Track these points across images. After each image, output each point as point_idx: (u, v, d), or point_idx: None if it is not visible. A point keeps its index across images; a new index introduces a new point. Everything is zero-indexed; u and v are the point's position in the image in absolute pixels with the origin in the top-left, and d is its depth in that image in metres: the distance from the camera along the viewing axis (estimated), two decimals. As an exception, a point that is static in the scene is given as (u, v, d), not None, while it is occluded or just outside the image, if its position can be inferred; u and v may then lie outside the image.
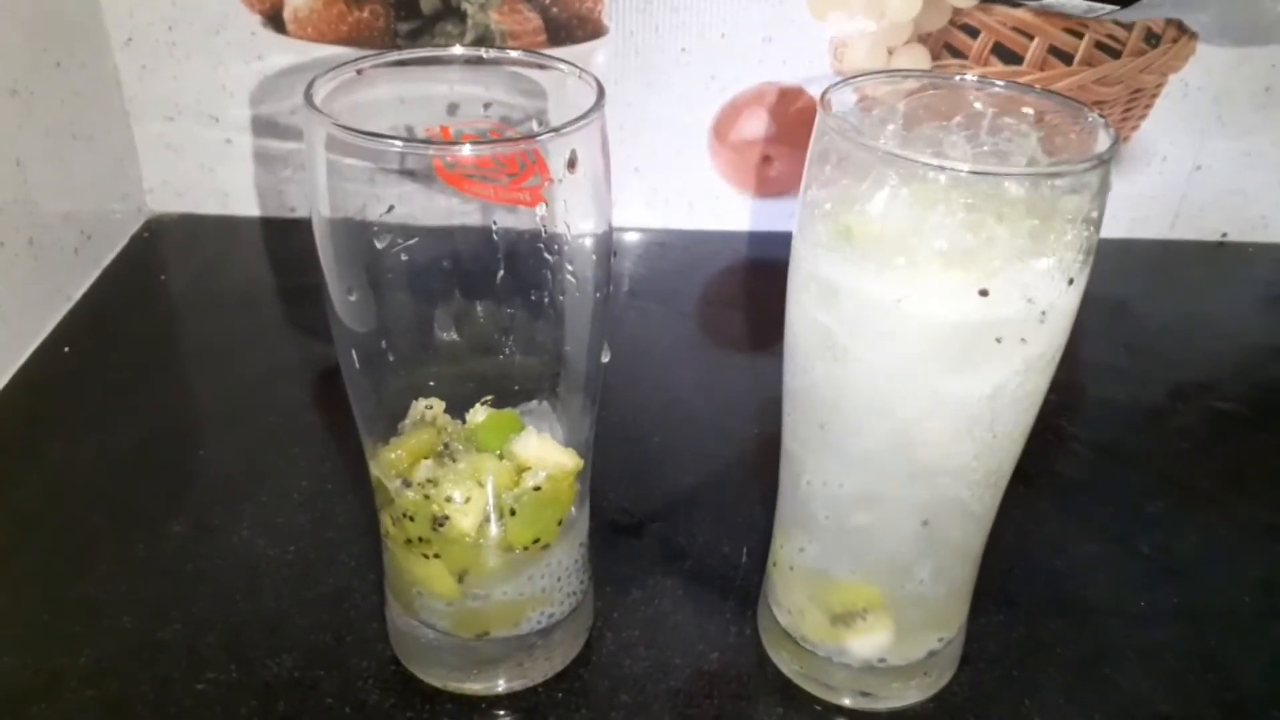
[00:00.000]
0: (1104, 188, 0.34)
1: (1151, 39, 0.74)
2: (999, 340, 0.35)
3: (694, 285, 0.78)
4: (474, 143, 0.34)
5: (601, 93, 0.36)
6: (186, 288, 0.76)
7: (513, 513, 0.39)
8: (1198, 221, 0.82)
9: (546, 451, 0.39)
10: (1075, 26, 0.73)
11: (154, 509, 0.54)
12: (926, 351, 0.35)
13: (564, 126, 0.34)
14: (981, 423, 0.36)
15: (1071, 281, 0.35)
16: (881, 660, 0.44)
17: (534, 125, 0.41)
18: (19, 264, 0.64)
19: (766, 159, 0.79)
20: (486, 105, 0.41)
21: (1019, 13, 0.73)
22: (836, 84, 0.37)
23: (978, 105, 0.38)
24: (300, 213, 0.82)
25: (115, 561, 0.51)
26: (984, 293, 0.34)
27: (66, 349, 0.66)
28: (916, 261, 0.34)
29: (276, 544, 0.52)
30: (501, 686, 0.45)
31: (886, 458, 0.38)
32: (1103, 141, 0.34)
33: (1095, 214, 0.34)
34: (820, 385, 0.38)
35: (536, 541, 0.41)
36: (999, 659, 0.48)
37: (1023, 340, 0.35)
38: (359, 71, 0.38)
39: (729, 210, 0.81)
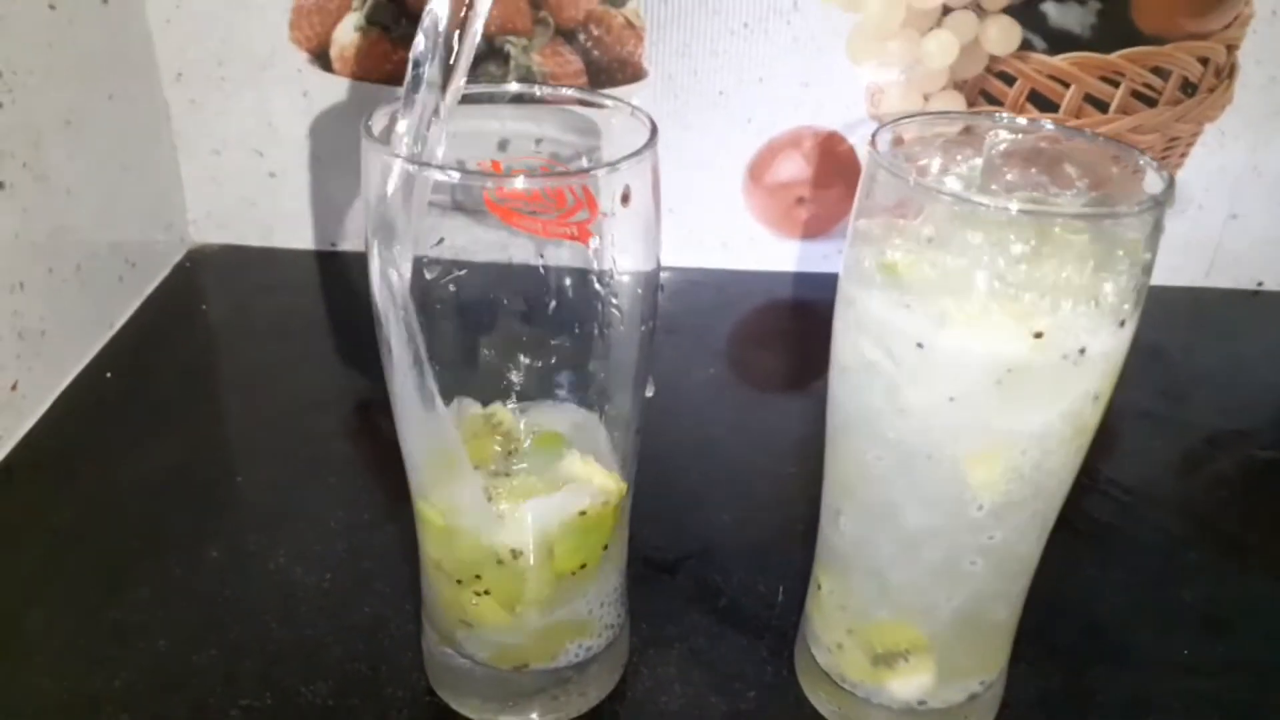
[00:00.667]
0: (1157, 229, 0.34)
1: (1188, 88, 0.75)
2: (1050, 381, 0.35)
3: (727, 324, 0.78)
4: (528, 176, 0.34)
5: (654, 129, 0.36)
6: (227, 317, 0.76)
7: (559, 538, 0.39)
8: (1233, 270, 0.82)
9: (592, 473, 0.39)
10: (1111, 75, 0.74)
11: (190, 534, 0.55)
12: (976, 391, 0.35)
13: (618, 161, 0.35)
14: (1030, 461, 0.36)
15: (1123, 324, 0.35)
16: (922, 703, 0.43)
17: (584, 161, 0.42)
18: (66, 290, 0.65)
19: (800, 201, 0.80)
20: (538, 141, 0.42)
21: (1056, 60, 0.73)
22: (886, 124, 0.38)
23: (1026, 146, 0.38)
24: (340, 246, 0.83)
25: (151, 586, 0.51)
26: (1038, 335, 0.34)
27: (108, 375, 0.67)
28: (967, 302, 0.34)
29: (313, 572, 0.52)
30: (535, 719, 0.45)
31: (933, 496, 0.38)
32: (1154, 183, 0.35)
33: (1148, 256, 0.34)
34: (869, 422, 0.38)
35: (584, 567, 0.41)
36: (1038, 705, 0.47)
37: (1073, 380, 0.35)
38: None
39: (762, 251, 0.82)
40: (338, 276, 0.81)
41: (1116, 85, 0.74)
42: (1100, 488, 0.61)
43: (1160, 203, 0.33)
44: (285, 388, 0.68)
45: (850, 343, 0.38)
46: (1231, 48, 0.73)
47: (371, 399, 0.65)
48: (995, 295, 0.33)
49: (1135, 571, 0.55)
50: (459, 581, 0.41)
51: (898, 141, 0.39)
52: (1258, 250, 0.81)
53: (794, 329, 0.80)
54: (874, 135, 0.36)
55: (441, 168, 0.35)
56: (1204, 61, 0.74)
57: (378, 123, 0.37)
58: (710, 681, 0.47)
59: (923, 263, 0.35)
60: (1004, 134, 0.39)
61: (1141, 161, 0.36)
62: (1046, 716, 0.46)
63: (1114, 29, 0.73)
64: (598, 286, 0.38)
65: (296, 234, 0.82)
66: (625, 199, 0.35)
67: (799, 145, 0.78)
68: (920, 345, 0.35)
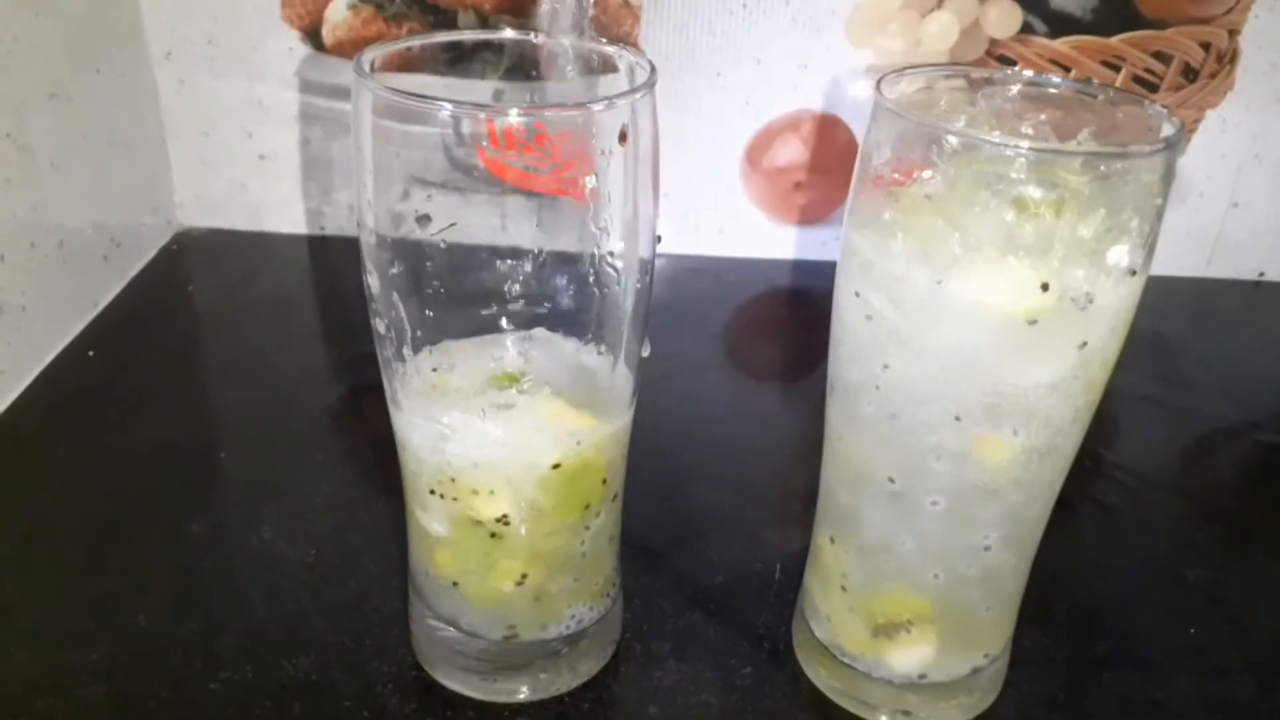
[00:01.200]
0: (1169, 175, 0.33)
1: (1189, 74, 0.74)
2: (1057, 331, 0.34)
3: (723, 310, 0.77)
4: (521, 110, 0.33)
5: (654, 69, 0.35)
6: (213, 299, 0.75)
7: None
8: (1234, 259, 0.81)
9: (559, 412, 0.38)
10: (1113, 59, 0.73)
11: (173, 509, 0.53)
12: (982, 341, 0.34)
13: (615, 97, 0.33)
14: (1039, 418, 0.35)
15: (1134, 273, 0.34)
16: (923, 676, 0.42)
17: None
18: (48, 265, 0.63)
19: (798, 186, 0.79)
20: (533, 93, 0.41)
21: (1057, 44, 0.73)
22: (893, 71, 0.37)
23: (1034, 97, 0.37)
24: (329, 231, 0.81)
25: (131, 560, 0.50)
26: (1045, 286, 0.33)
27: (91, 353, 0.65)
28: (973, 249, 0.33)
29: (297, 547, 0.51)
30: (525, 694, 0.43)
31: (941, 451, 0.36)
32: (1167, 128, 0.34)
33: (1159, 201, 0.33)
34: (875, 375, 0.37)
35: (588, 508, 0.40)
36: (1043, 681, 0.46)
37: (1082, 332, 0.34)
38: (409, 48, 0.37)
39: (760, 237, 0.81)
40: (326, 261, 0.79)
41: (1118, 70, 0.74)
42: (1104, 471, 0.60)
43: (1171, 145, 0.32)
44: (272, 368, 0.67)
45: (853, 293, 0.37)
46: (1233, 33, 0.73)
47: (359, 380, 0.64)
48: (1000, 242, 0.32)
49: (1139, 552, 0.54)
50: (477, 523, 0.40)
51: (902, 92, 0.37)
52: (1260, 239, 0.80)
53: (792, 317, 0.78)
54: (878, 81, 0.35)
55: (435, 99, 0.33)
56: (1205, 47, 0.73)
57: (367, 63, 0.36)
58: (706, 657, 0.46)
59: (925, 206, 0.34)
60: (1012, 87, 0.38)
61: (1153, 110, 0.35)
62: (1052, 693, 0.45)
63: (1115, 12, 0.72)
64: (593, 228, 0.36)
65: (285, 217, 0.81)
66: (623, 138, 0.34)
67: (797, 129, 0.77)
68: (922, 292, 0.34)
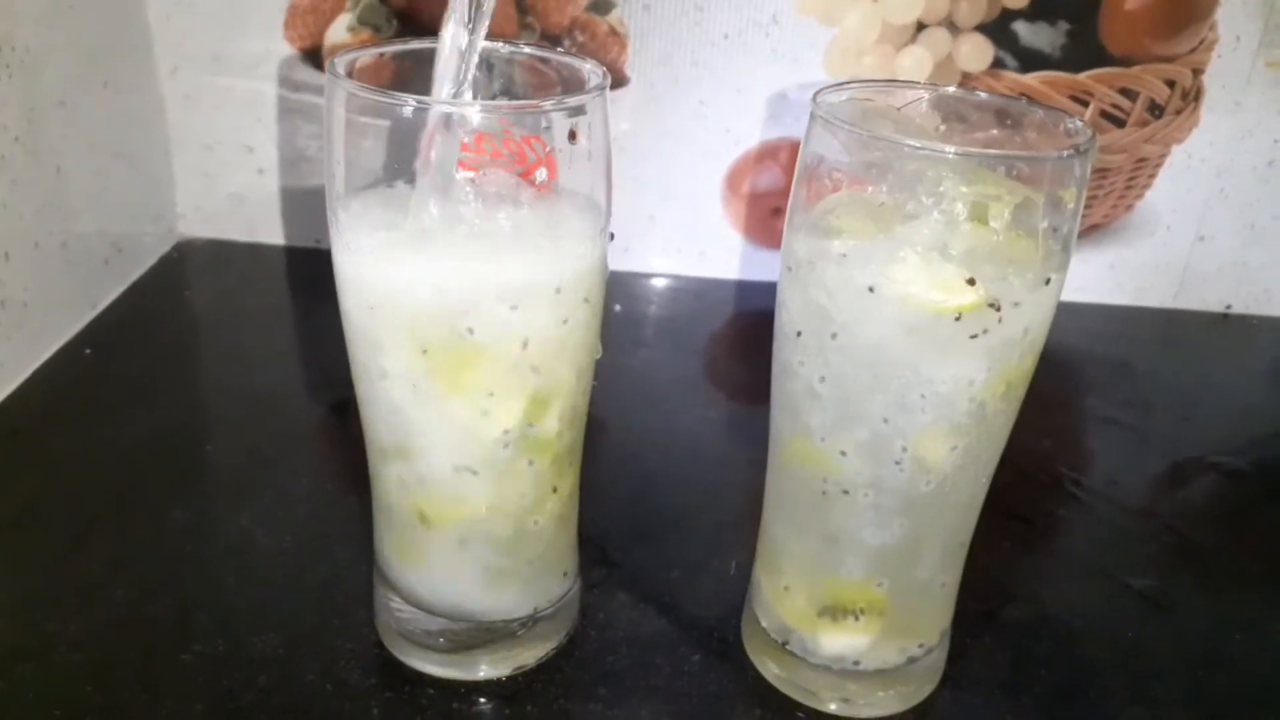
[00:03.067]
0: (1082, 181, 0.35)
1: (1155, 110, 0.77)
2: (980, 329, 0.36)
3: (703, 328, 0.80)
4: (486, 107, 0.36)
5: (607, 75, 0.38)
6: (209, 305, 0.78)
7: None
8: (1201, 292, 0.83)
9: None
10: (1081, 94, 0.76)
11: (157, 498, 0.55)
12: (901, 335, 0.36)
13: (570, 98, 0.36)
14: (964, 416, 0.37)
15: (1048, 281, 0.36)
16: (856, 663, 0.44)
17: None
18: (50, 265, 0.66)
19: (777, 211, 0.82)
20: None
21: (1027, 79, 0.76)
22: (829, 86, 0.39)
23: (965, 111, 0.39)
24: (324, 245, 0.84)
25: (114, 542, 0.52)
26: (971, 281, 0.35)
27: (88, 351, 0.68)
28: (901, 249, 0.36)
29: (273, 535, 0.53)
30: (483, 673, 0.45)
31: (876, 434, 0.39)
32: (1082, 135, 0.36)
33: (1072, 206, 0.36)
34: (811, 374, 0.39)
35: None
36: (982, 680, 0.47)
37: (996, 332, 0.36)
38: (380, 55, 0.40)
39: (740, 259, 0.83)
40: (321, 273, 0.82)
41: (1086, 104, 0.76)
42: (1061, 486, 0.62)
43: (1081, 151, 0.34)
44: (262, 371, 0.69)
45: (793, 296, 0.39)
46: (1197, 71, 0.76)
47: (344, 386, 0.66)
48: (922, 242, 0.35)
49: (1087, 562, 0.56)
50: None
51: (836, 103, 0.40)
52: (1226, 273, 0.83)
53: (769, 335, 0.80)
54: (816, 94, 0.38)
55: (405, 96, 0.36)
56: (1170, 84, 0.76)
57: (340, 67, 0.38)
58: (658, 645, 0.48)
59: (859, 214, 0.36)
60: (938, 99, 0.40)
61: (1072, 123, 0.37)
62: (990, 691, 0.47)
63: (1083, 50, 0.75)
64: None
65: (282, 230, 0.84)
66: (573, 137, 0.36)
67: (776, 156, 0.79)
68: (851, 288, 0.36)
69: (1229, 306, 0.84)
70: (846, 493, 0.40)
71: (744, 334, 0.81)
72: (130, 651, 0.46)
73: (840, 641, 0.43)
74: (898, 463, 0.39)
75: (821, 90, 0.39)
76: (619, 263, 0.83)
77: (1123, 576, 0.55)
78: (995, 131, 0.38)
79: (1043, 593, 0.53)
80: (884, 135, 0.35)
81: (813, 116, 0.38)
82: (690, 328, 0.79)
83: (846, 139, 0.36)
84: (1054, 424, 0.69)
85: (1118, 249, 0.82)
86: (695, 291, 0.83)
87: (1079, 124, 0.37)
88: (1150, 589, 0.54)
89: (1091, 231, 0.82)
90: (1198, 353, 0.82)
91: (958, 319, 0.36)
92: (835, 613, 0.43)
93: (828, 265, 0.37)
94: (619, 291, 0.81)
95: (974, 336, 0.36)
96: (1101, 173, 0.79)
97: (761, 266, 0.84)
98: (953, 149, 0.34)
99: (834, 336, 0.38)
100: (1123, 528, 0.59)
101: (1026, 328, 0.37)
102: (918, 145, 0.34)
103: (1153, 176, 0.80)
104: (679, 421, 0.67)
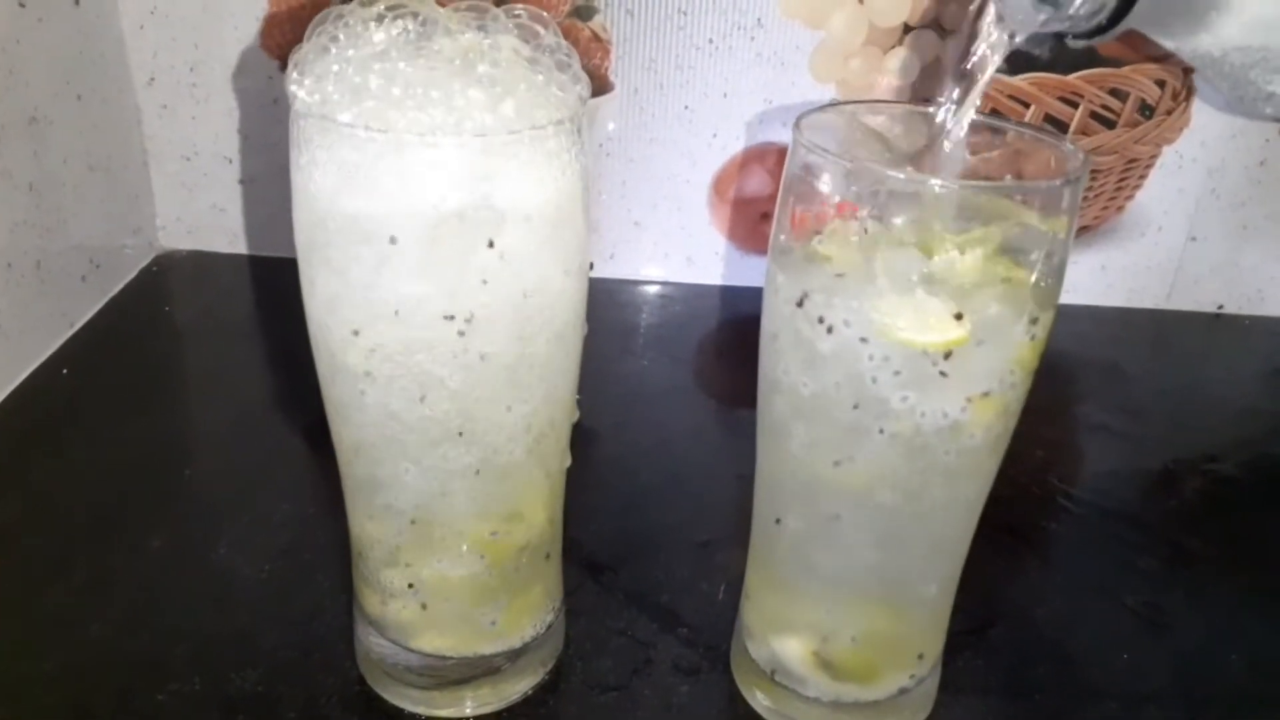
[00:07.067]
0: (1073, 209, 0.34)
1: (1145, 110, 0.76)
2: (969, 362, 0.35)
3: (690, 335, 0.79)
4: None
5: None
6: (190, 320, 0.77)
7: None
8: (1194, 293, 0.82)
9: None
10: (1070, 96, 0.75)
11: (135, 525, 0.54)
12: (882, 369, 0.35)
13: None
14: (942, 443, 0.36)
15: (1035, 320, 0.35)
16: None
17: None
18: (24, 285, 0.65)
19: (764, 217, 0.80)
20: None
21: (1016, 81, 0.75)
22: (813, 109, 0.38)
23: (956, 133, 0.38)
24: (306, 254, 0.83)
25: (90, 573, 0.51)
26: (959, 316, 0.34)
27: (65, 370, 0.67)
28: (887, 282, 0.35)
29: (253, 563, 0.52)
30: (469, 710, 0.44)
31: (855, 461, 0.38)
32: (1074, 163, 0.35)
33: (1063, 236, 0.35)
34: (794, 404, 0.38)
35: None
36: (976, 705, 0.47)
37: (982, 363, 0.35)
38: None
39: (727, 265, 0.82)
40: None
41: (1076, 106, 0.75)
42: (1052, 498, 0.61)
43: (1073, 180, 0.33)
44: (243, 389, 0.68)
45: (777, 326, 0.38)
46: (1188, 71, 0.75)
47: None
48: (914, 277, 0.34)
49: (1080, 578, 0.55)
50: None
51: (820, 130, 0.39)
52: (1218, 273, 0.82)
53: (755, 342, 0.80)
54: (798, 119, 0.37)
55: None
56: (1161, 84, 0.75)
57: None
58: (646, 675, 0.47)
59: (843, 245, 0.35)
60: (931, 123, 0.39)
61: (1065, 148, 0.36)
62: (983, 715, 0.46)
63: (1072, 50, 0.73)
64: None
65: (265, 241, 0.82)
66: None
67: (762, 161, 0.78)
68: (841, 327, 0.35)
69: (1221, 307, 0.83)
70: (838, 517, 0.39)
71: (732, 341, 0.80)
72: (105, 693, 0.45)
73: (827, 676, 0.42)
74: (881, 487, 0.38)
75: (806, 113, 0.38)
76: (605, 269, 0.82)
77: (1117, 593, 0.54)
78: (986, 156, 0.37)
79: (1035, 611, 0.52)
80: (869, 164, 0.34)
81: (795, 142, 0.36)
82: (678, 334, 0.78)
83: (831, 166, 0.35)
84: (1047, 433, 0.68)
85: (1109, 250, 0.81)
86: (682, 298, 0.82)
87: (1072, 148, 0.36)
88: (1144, 605, 0.53)
89: (1083, 233, 0.81)
90: (1190, 354, 0.81)
91: (947, 356, 0.35)
92: (823, 647, 0.42)
93: (812, 294, 0.36)
94: (605, 299, 0.80)
95: (963, 368, 0.35)
96: (1092, 174, 0.78)
97: (748, 272, 0.83)
98: (941, 182, 0.33)
99: (816, 367, 0.37)
100: (1115, 539, 0.58)
101: (1016, 358, 0.36)
102: (905, 177, 0.33)
103: (1144, 177, 0.79)
104: (666, 434, 0.66)
